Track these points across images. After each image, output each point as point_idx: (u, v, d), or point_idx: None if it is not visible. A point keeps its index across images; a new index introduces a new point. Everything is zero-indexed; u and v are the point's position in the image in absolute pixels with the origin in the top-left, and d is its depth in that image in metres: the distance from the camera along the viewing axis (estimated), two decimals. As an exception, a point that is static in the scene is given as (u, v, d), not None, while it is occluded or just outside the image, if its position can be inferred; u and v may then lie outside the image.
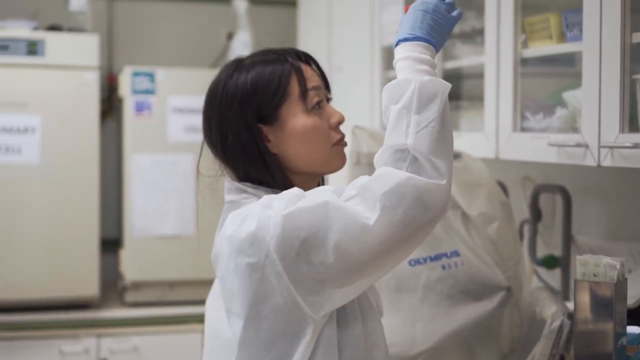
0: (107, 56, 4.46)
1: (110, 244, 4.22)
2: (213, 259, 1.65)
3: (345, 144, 1.71)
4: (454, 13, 1.63)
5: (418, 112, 1.47)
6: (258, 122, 1.62)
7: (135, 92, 3.94)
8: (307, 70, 1.67)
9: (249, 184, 1.64)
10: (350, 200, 1.47)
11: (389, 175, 1.45)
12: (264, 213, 1.50)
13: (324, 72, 1.72)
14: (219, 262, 1.61)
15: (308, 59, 1.70)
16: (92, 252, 3.79)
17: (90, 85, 3.82)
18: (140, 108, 3.95)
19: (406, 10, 1.61)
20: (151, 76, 3.95)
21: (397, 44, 1.57)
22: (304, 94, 1.64)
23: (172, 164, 3.94)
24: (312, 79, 1.67)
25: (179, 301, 3.94)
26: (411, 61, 1.54)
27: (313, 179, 1.70)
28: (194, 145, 3.92)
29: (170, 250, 3.91)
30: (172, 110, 3.94)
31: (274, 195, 1.54)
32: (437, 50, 1.58)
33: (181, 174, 3.94)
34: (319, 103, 1.66)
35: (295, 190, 1.53)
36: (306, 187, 1.66)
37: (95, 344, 3.74)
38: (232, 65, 1.68)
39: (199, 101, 3.82)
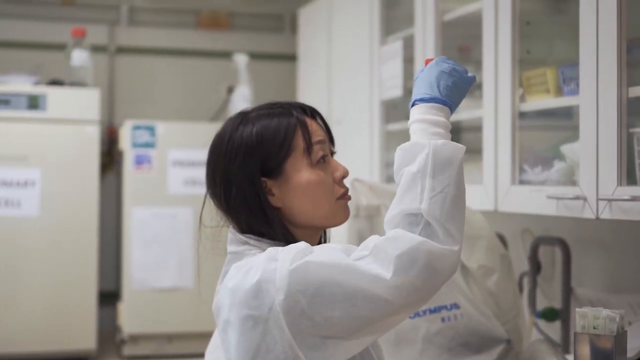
0: (108, 110, 4.49)
1: (109, 297, 4.21)
2: (214, 310, 1.64)
3: (349, 198, 1.70)
4: (469, 74, 1.64)
5: (433, 177, 1.48)
6: (262, 175, 1.63)
7: (135, 145, 3.96)
8: (312, 125, 1.67)
9: (251, 236, 1.64)
10: (361, 260, 1.47)
11: (403, 238, 1.45)
12: (269, 265, 1.50)
13: (328, 126, 1.73)
14: (220, 314, 1.60)
15: (313, 113, 1.70)
16: (90, 305, 3.78)
17: (91, 139, 3.84)
18: (140, 161, 3.96)
19: (426, 63, 1.62)
20: (151, 130, 3.98)
21: (413, 104, 1.58)
22: (308, 148, 1.64)
23: (172, 216, 3.95)
24: (317, 133, 1.67)
25: (178, 354, 3.91)
26: (426, 124, 1.54)
27: (316, 233, 1.70)
28: (193, 198, 3.94)
29: (168, 303, 3.90)
30: (172, 163, 3.96)
31: (279, 248, 1.54)
32: (452, 112, 1.59)
33: (181, 226, 3.94)
34: (323, 157, 1.66)
35: (301, 245, 1.52)
36: (309, 241, 1.66)
37: (92, 398, 3.72)
38: (238, 118, 1.68)
39: (199, 154, 3.88)
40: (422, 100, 1.56)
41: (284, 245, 1.60)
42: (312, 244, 1.68)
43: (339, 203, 1.67)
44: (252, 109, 1.70)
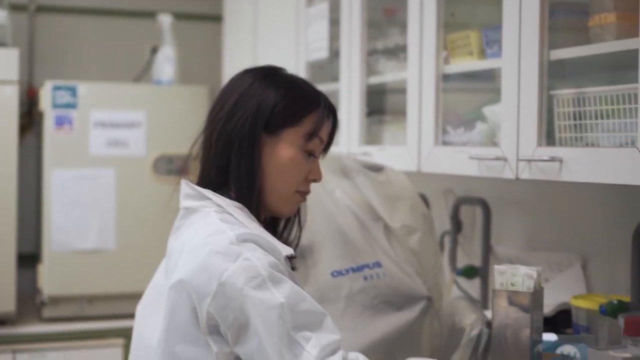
0: (28, 70, 4.38)
1: (28, 259, 4.13)
2: (169, 265, 1.64)
3: (303, 200, 1.75)
4: None
5: None
6: (265, 124, 1.65)
7: (55, 106, 3.88)
8: (325, 123, 1.72)
9: (211, 192, 1.65)
10: (306, 342, 1.49)
11: None
12: (224, 262, 1.50)
13: (334, 134, 1.77)
14: (174, 273, 1.60)
15: (333, 116, 1.75)
16: (9, 267, 3.71)
17: (9, 100, 3.75)
18: (61, 122, 3.89)
19: None
20: (73, 90, 3.90)
21: None
22: (311, 135, 1.69)
23: (94, 178, 3.89)
24: (324, 132, 1.72)
25: (98, 316, 3.88)
26: None
27: (261, 211, 1.71)
28: (115, 160, 3.89)
29: (89, 265, 3.85)
30: (94, 124, 3.89)
31: (246, 237, 1.54)
32: None
33: (103, 188, 3.89)
34: (313, 153, 1.71)
35: (265, 271, 1.51)
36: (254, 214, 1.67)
37: (11, 360, 3.66)
38: (269, 69, 1.74)
39: (122, 115, 3.79)
40: None
41: (240, 208, 1.62)
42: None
43: (295, 196, 1.71)
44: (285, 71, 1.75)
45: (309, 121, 1.69)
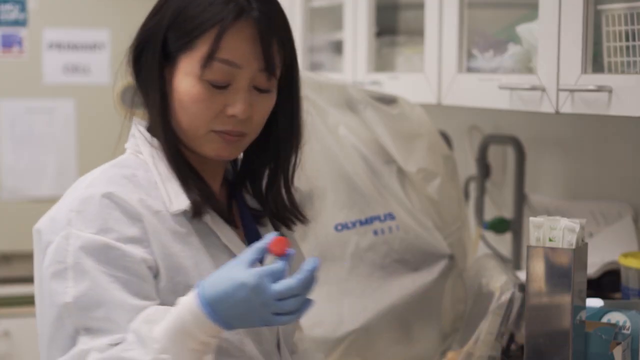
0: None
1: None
2: None
3: (228, 139, 1.58)
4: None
5: None
6: (161, 52, 1.57)
7: (1, 23, 3.87)
8: (243, 32, 1.53)
9: (138, 127, 1.63)
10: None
11: None
12: (50, 233, 1.53)
13: (269, 44, 1.56)
14: None
15: (263, 21, 1.56)
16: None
17: (-53, 15, 3.75)
18: (8, 43, 3.88)
19: (276, 250, 1.43)
20: (21, 4, 3.88)
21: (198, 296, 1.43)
22: (207, 60, 1.53)
23: (49, 111, 3.89)
24: (238, 49, 1.54)
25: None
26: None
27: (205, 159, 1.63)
28: (75, 89, 3.88)
29: (47, 216, 3.88)
30: (48, 45, 3.88)
31: (110, 197, 1.52)
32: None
33: (60, 123, 3.89)
34: (216, 85, 1.55)
35: (73, 256, 1.49)
36: (202, 167, 1.63)
37: (-45, 328, 3.71)
38: None
39: (82, 35, 3.76)
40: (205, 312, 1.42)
41: (157, 147, 1.60)
42: (212, 175, 1.65)
43: (211, 135, 1.58)
44: None
45: (204, 40, 1.53)
